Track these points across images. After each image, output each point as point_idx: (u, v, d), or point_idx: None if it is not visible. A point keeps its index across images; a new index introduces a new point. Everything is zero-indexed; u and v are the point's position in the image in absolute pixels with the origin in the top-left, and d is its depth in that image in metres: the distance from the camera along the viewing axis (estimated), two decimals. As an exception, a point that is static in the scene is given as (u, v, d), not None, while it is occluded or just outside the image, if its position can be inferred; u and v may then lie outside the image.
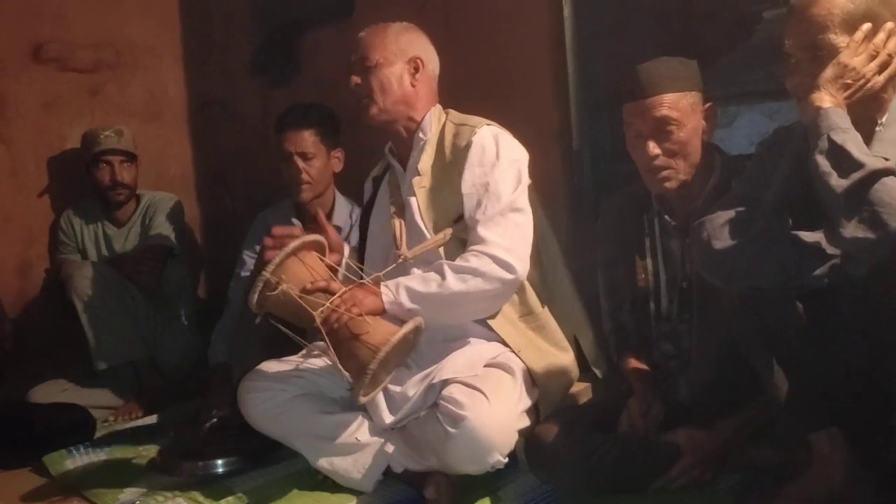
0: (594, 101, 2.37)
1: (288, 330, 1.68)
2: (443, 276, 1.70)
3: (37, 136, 2.93)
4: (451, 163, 1.83)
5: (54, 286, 2.78)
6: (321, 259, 1.66)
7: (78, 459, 2.18)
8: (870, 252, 1.22)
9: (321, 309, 1.57)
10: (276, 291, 1.57)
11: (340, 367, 1.59)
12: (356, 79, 1.87)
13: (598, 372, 1.91)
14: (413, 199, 1.85)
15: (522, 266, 1.73)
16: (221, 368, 2.51)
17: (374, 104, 1.85)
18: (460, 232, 1.80)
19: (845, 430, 1.40)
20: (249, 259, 2.62)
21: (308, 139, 2.45)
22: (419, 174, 1.86)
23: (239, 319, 2.49)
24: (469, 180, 1.79)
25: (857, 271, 1.25)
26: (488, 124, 1.85)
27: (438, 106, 1.93)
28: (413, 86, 1.87)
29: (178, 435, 2.22)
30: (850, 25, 1.36)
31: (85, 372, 2.60)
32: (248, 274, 2.57)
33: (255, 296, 1.59)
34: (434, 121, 1.89)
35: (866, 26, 1.36)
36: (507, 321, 1.79)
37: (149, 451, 2.19)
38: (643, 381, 1.75)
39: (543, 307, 1.86)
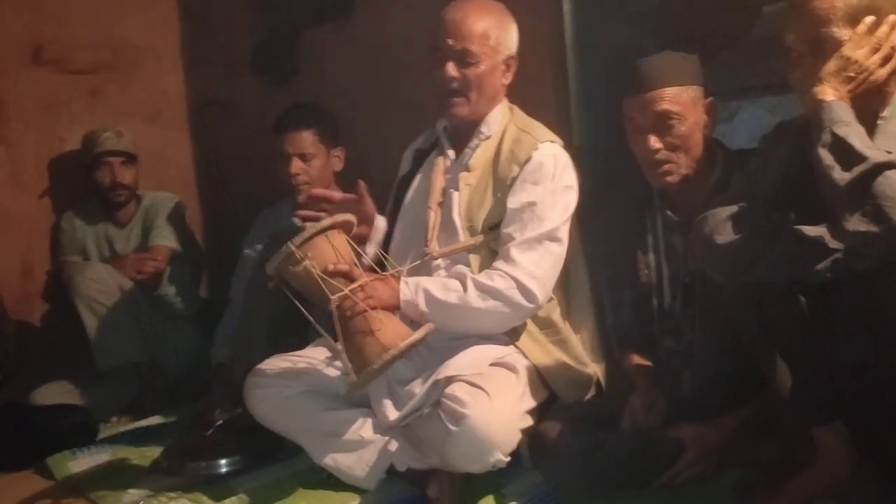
0: (595, 95, 2.36)
1: (297, 302, 1.65)
2: (464, 289, 1.68)
3: (37, 138, 2.92)
4: (504, 169, 1.77)
5: (56, 288, 2.78)
6: (348, 241, 1.65)
7: (81, 461, 2.17)
8: (873, 246, 1.21)
9: (338, 294, 1.56)
10: (299, 267, 1.56)
11: (344, 355, 1.59)
12: (454, 73, 1.74)
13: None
14: (455, 195, 1.81)
15: (544, 296, 1.71)
16: (224, 368, 2.51)
17: (468, 104, 1.77)
18: (492, 241, 1.77)
19: (849, 425, 1.40)
20: (251, 258, 2.62)
21: (306, 139, 2.44)
22: (469, 170, 1.81)
23: (241, 318, 2.49)
24: (518, 196, 1.74)
25: (861, 265, 1.25)
26: (551, 141, 1.79)
27: (506, 101, 1.86)
28: (502, 85, 1.82)
29: (181, 435, 2.21)
30: (853, 18, 1.36)
31: (87, 373, 2.59)
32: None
33: (276, 264, 1.57)
34: (499, 118, 1.83)
35: (869, 19, 1.35)
36: (528, 336, 1.78)
37: (152, 452, 2.18)
38: (646, 377, 1.75)
39: (565, 322, 1.84)
